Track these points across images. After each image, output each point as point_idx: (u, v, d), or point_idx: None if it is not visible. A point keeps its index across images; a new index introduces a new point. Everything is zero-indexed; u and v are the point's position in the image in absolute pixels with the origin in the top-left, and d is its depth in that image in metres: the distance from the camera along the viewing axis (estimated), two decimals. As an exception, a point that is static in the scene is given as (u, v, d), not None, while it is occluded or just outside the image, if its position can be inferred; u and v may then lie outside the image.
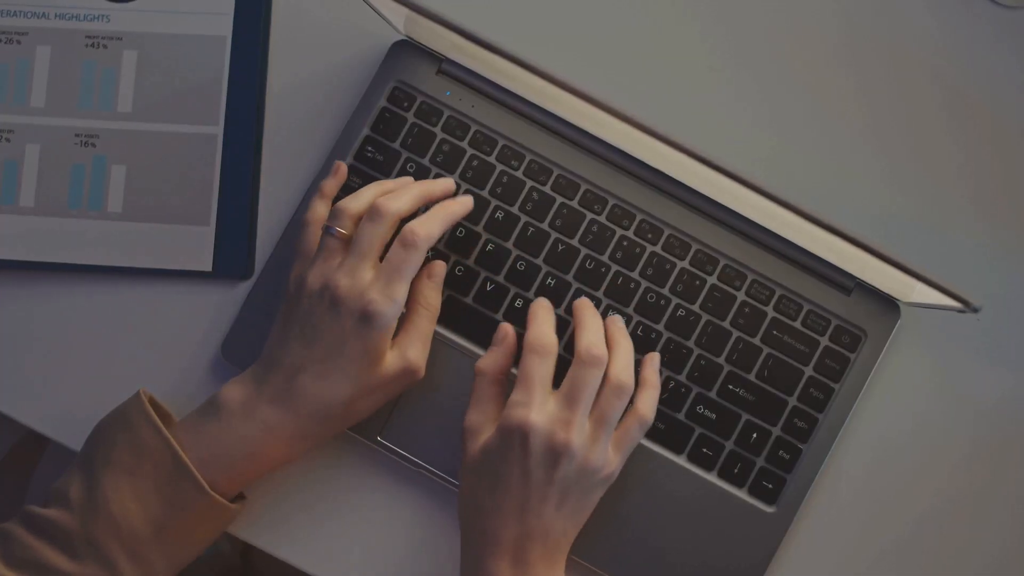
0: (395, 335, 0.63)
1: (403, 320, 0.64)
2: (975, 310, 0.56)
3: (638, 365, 0.65)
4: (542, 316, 0.63)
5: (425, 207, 0.65)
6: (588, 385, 0.60)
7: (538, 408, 0.60)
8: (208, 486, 0.60)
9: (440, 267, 0.66)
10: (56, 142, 0.70)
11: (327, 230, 0.62)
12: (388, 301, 0.60)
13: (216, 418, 0.61)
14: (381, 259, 0.61)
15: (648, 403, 0.63)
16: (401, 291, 0.60)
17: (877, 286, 0.67)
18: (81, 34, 0.71)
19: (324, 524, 0.67)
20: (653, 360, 0.65)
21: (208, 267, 0.69)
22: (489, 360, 0.64)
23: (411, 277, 0.61)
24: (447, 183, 0.66)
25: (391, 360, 0.62)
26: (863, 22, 0.72)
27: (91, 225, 0.69)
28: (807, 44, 0.72)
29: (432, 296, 0.65)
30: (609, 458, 0.61)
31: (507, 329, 0.64)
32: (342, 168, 0.67)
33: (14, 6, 0.71)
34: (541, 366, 0.61)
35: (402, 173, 0.68)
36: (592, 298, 0.67)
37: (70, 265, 0.69)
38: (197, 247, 0.69)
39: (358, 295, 0.60)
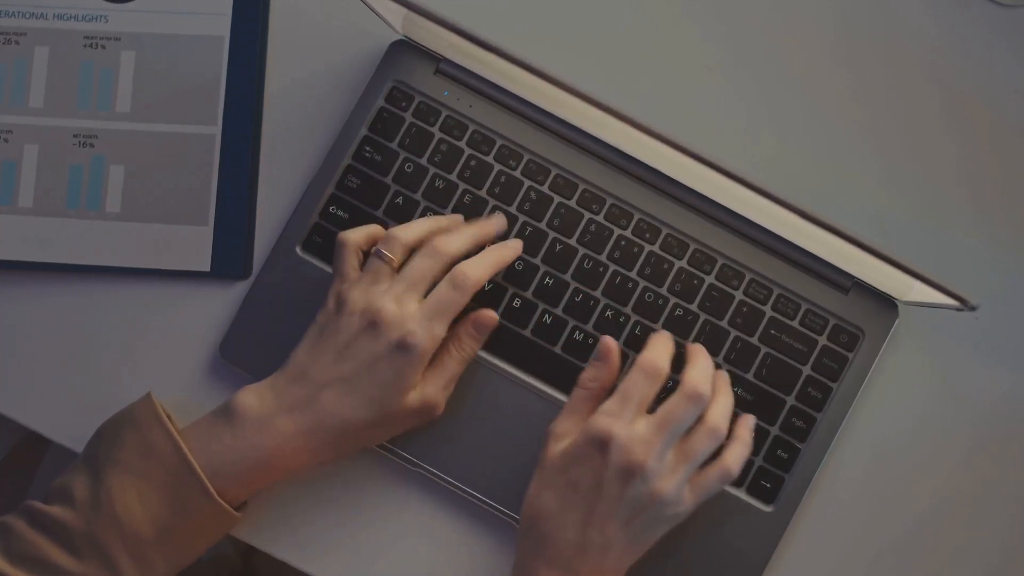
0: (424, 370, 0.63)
1: (436, 356, 0.63)
2: (972, 309, 0.56)
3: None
4: (663, 343, 0.63)
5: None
6: (682, 418, 0.60)
7: (625, 423, 0.59)
8: (215, 493, 0.60)
9: (489, 320, 0.65)
10: (54, 142, 0.70)
11: (377, 253, 0.62)
12: (428, 336, 0.60)
13: (229, 425, 0.61)
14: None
15: (737, 458, 0.62)
16: (441, 329, 0.61)
17: (875, 285, 0.67)
18: (79, 34, 0.71)
19: (326, 526, 0.67)
20: (749, 421, 0.65)
21: (206, 267, 0.69)
22: (590, 376, 0.63)
23: (453, 317, 0.61)
24: (500, 222, 0.66)
25: (413, 395, 0.62)
26: (861, 21, 0.72)
27: (89, 225, 0.69)
28: (805, 43, 0.72)
29: (470, 344, 0.64)
30: (683, 496, 0.60)
31: (610, 344, 0.64)
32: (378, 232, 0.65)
33: (12, 6, 0.71)
34: (644, 386, 0.61)
35: (400, 173, 0.68)
36: (590, 297, 0.67)
37: (68, 265, 0.69)
38: (195, 247, 0.69)
39: (400, 323, 0.60)
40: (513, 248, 0.66)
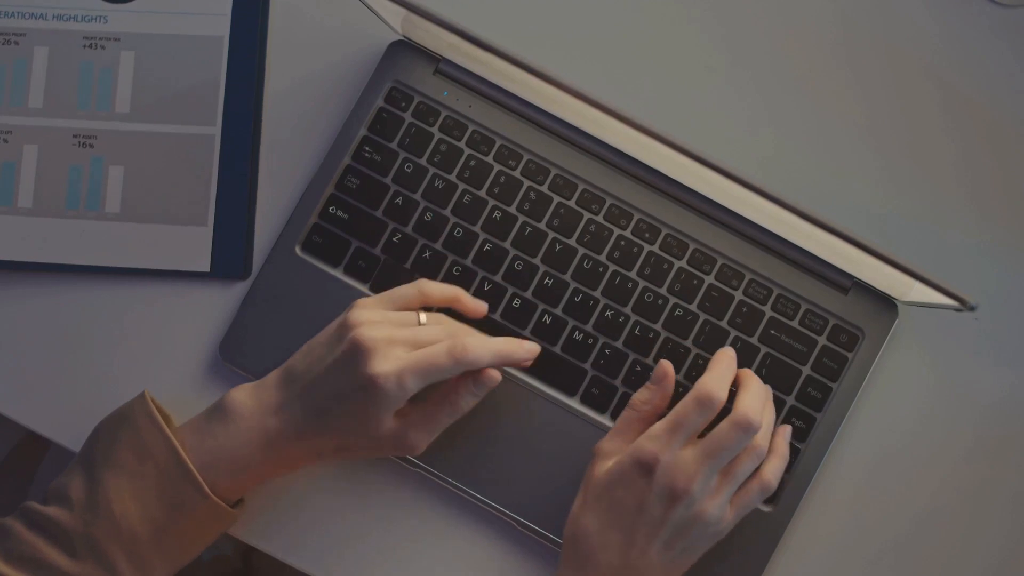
0: (416, 402, 0.61)
1: (427, 401, 0.62)
2: (972, 309, 0.56)
3: None
4: (725, 366, 0.63)
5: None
6: (731, 448, 0.59)
7: (672, 448, 0.59)
8: (209, 489, 0.60)
9: (492, 381, 0.62)
10: (54, 143, 0.70)
11: (418, 285, 0.63)
12: (397, 387, 0.59)
13: (222, 422, 0.61)
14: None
15: (775, 472, 0.62)
16: (414, 385, 0.59)
17: (874, 285, 0.67)
18: (79, 35, 0.71)
19: (325, 526, 0.67)
20: (786, 432, 0.64)
21: (206, 268, 0.69)
22: (643, 397, 0.63)
23: (434, 380, 0.60)
24: (533, 351, 0.64)
25: (391, 429, 0.61)
26: (861, 21, 0.72)
27: (89, 226, 0.69)
28: (805, 43, 0.72)
29: (467, 401, 0.63)
30: (725, 517, 0.60)
31: (667, 369, 0.63)
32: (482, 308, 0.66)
33: (12, 7, 0.71)
34: (698, 416, 0.60)
35: (400, 173, 0.68)
36: (590, 297, 0.67)
37: (68, 266, 0.69)
38: (195, 247, 0.69)
39: (373, 363, 0.59)
40: (528, 351, 0.64)
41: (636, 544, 0.59)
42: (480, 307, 0.66)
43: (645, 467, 0.59)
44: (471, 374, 0.62)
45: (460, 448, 0.66)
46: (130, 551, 0.59)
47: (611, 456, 0.62)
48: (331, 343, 0.61)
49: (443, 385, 0.62)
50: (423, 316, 0.63)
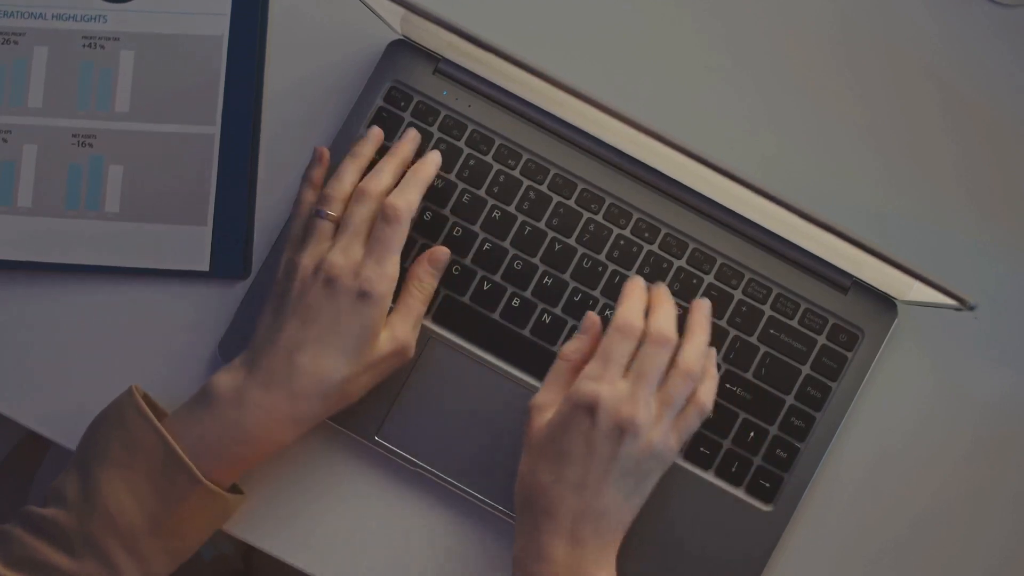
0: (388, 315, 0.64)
1: (396, 299, 0.65)
2: (971, 308, 0.56)
3: None
4: (636, 296, 0.63)
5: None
6: (657, 366, 0.60)
7: (609, 383, 0.60)
8: (202, 475, 0.60)
9: (442, 253, 0.66)
10: (53, 142, 0.70)
11: (317, 213, 0.63)
12: (382, 278, 0.61)
13: (207, 406, 0.61)
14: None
15: (708, 393, 0.63)
16: (392, 267, 0.62)
17: (874, 285, 0.67)
18: (78, 34, 0.71)
19: (324, 525, 0.67)
20: (712, 354, 0.65)
21: (205, 267, 0.69)
22: (573, 347, 0.64)
23: (399, 249, 0.62)
24: (413, 137, 0.67)
25: (384, 339, 0.63)
26: (861, 21, 0.72)
27: (88, 225, 0.69)
28: (805, 43, 0.72)
29: (427, 279, 0.66)
30: (670, 443, 0.61)
31: (594, 319, 0.64)
32: (325, 154, 0.67)
33: (11, 7, 0.71)
34: (622, 344, 0.61)
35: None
36: (588, 296, 0.67)
37: (68, 265, 0.69)
38: (194, 247, 0.69)
39: (353, 273, 0.61)
40: (432, 162, 0.66)
41: (590, 486, 0.59)
42: (373, 137, 0.67)
43: (587, 407, 0.59)
44: (424, 258, 0.66)
45: (462, 450, 0.66)
46: (129, 545, 0.59)
47: (548, 407, 0.62)
48: (292, 294, 0.62)
49: (405, 279, 0.66)
50: (326, 210, 0.63)
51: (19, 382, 0.69)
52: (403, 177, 0.65)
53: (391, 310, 0.64)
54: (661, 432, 0.60)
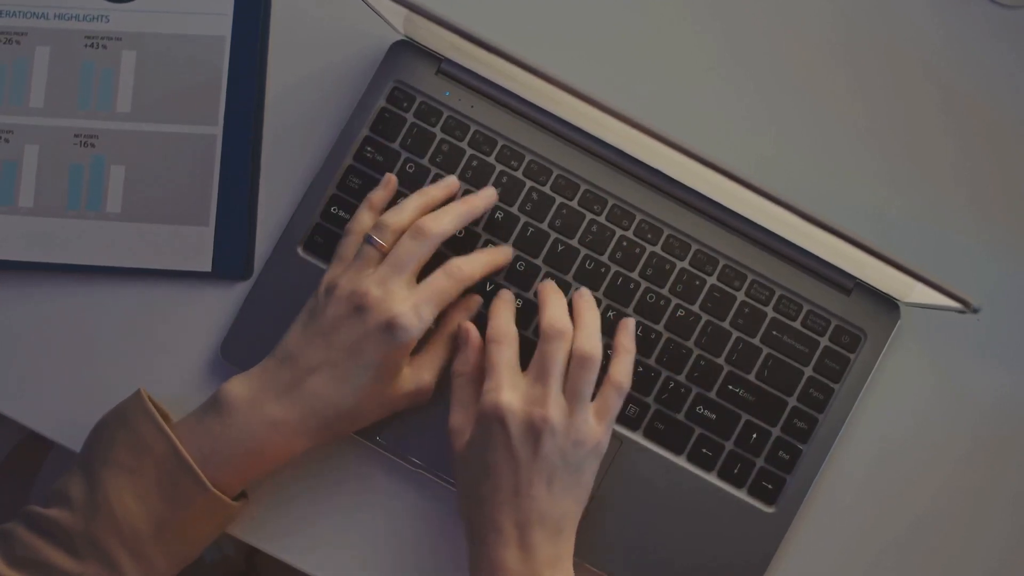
0: (415, 353, 0.64)
1: (428, 342, 0.65)
2: (975, 311, 0.56)
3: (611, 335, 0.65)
4: (499, 308, 0.64)
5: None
6: (555, 359, 0.61)
7: (508, 389, 0.60)
8: (209, 482, 0.60)
9: (476, 303, 0.67)
10: (55, 142, 0.70)
11: (368, 239, 0.63)
12: (416, 319, 0.61)
13: (218, 414, 0.61)
14: (418, 279, 0.63)
15: (622, 369, 0.63)
16: (430, 315, 0.61)
17: (877, 286, 0.67)
18: (80, 34, 0.71)
19: (326, 527, 0.67)
20: (627, 326, 0.66)
21: (207, 267, 0.69)
22: (460, 360, 0.64)
23: (444, 305, 0.62)
24: (489, 196, 0.66)
25: (407, 377, 0.63)
26: (861, 22, 0.72)
27: (90, 225, 0.69)
28: (805, 43, 0.72)
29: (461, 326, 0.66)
30: (593, 429, 0.61)
31: (468, 327, 0.65)
32: (392, 181, 0.67)
33: (13, 6, 0.71)
34: (503, 351, 0.62)
35: (401, 174, 0.68)
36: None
37: (69, 266, 0.69)
38: (196, 247, 0.69)
39: (386, 305, 0.60)
40: (505, 253, 0.66)
41: (522, 492, 0.59)
42: (449, 185, 0.67)
43: (497, 418, 0.60)
44: (463, 305, 0.66)
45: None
46: (132, 549, 0.59)
47: (463, 428, 0.63)
48: (324, 315, 0.62)
49: (439, 324, 0.66)
50: (377, 238, 0.63)
51: (19, 382, 0.69)
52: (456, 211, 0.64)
53: (420, 352, 0.64)
54: (578, 423, 0.60)
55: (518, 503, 0.59)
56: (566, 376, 0.61)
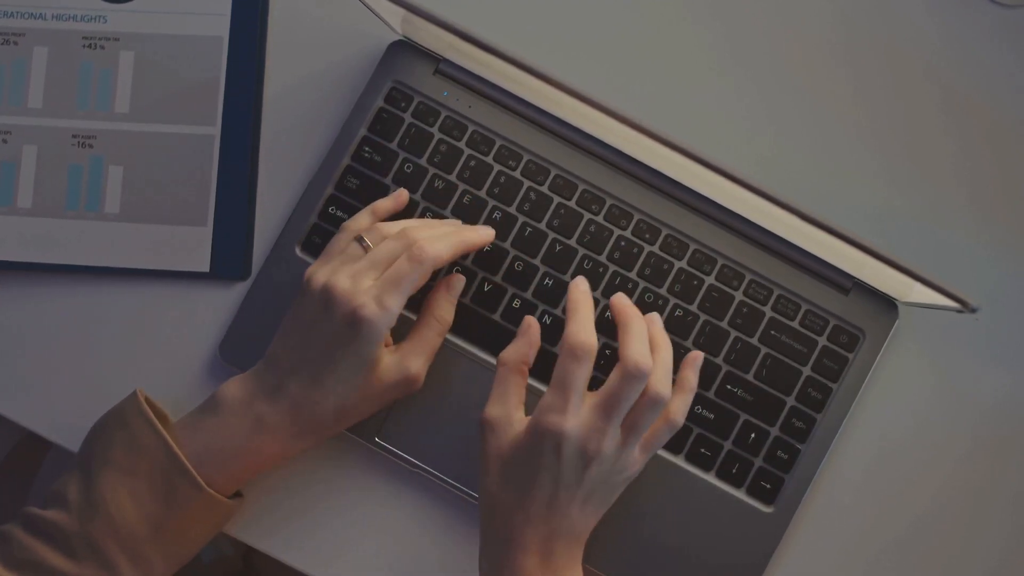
0: (401, 341, 0.64)
1: (412, 328, 0.64)
2: (974, 311, 0.56)
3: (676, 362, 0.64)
4: (584, 311, 0.61)
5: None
6: (628, 399, 0.59)
7: (572, 415, 0.58)
8: (204, 483, 0.60)
9: (459, 281, 0.66)
10: (53, 143, 0.70)
11: (358, 239, 0.62)
12: (379, 310, 0.59)
13: (214, 414, 0.61)
14: None
15: (681, 408, 0.62)
16: (394, 302, 0.59)
17: (875, 286, 0.67)
18: (78, 35, 0.71)
19: (324, 526, 0.67)
20: (694, 362, 0.64)
21: (205, 268, 0.69)
22: (512, 351, 0.62)
23: (409, 292, 0.60)
24: (487, 235, 0.65)
25: (390, 366, 0.62)
26: (861, 22, 0.72)
27: (88, 226, 0.69)
28: (805, 44, 0.72)
29: (445, 309, 0.65)
30: (636, 460, 0.61)
31: (531, 321, 0.63)
32: (403, 195, 0.67)
33: (11, 7, 0.71)
34: (579, 370, 0.59)
35: (400, 174, 0.68)
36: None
37: (68, 266, 0.69)
38: (194, 248, 0.69)
39: (348, 298, 0.59)
40: (482, 233, 0.64)
41: (557, 509, 0.59)
42: (452, 223, 0.66)
43: (552, 441, 0.58)
44: (443, 284, 0.65)
45: (462, 451, 0.66)
46: (129, 549, 0.59)
47: (502, 423, 0.60)
48: (302, 311, 0.62)
49: (422, 309, 0.65)
50: (367, 239, 0.62)
51: (19, 382, 0.69)
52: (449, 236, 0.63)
53: (405, 339, 0.64)
54: (627, 454, 0.60)
55: (549, 518, 0.59)
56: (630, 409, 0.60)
